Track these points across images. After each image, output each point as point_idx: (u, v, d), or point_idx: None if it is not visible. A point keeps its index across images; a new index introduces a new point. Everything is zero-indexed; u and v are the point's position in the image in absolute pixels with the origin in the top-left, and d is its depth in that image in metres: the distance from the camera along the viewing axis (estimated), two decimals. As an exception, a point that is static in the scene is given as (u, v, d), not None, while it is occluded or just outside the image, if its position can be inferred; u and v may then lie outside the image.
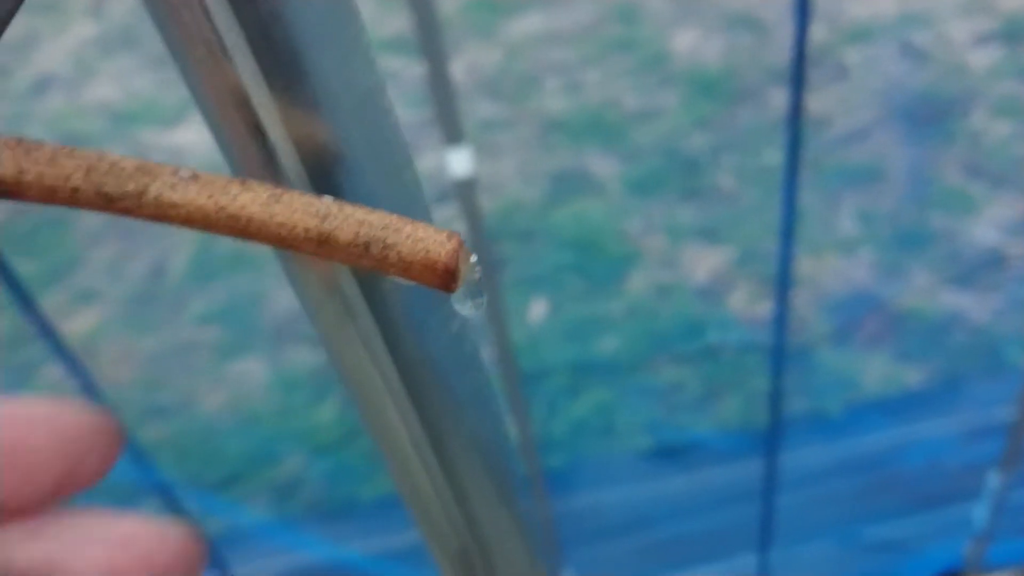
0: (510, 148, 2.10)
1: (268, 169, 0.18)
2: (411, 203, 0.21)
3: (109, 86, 2.52)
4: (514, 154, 2.09)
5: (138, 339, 1.77)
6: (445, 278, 0.18)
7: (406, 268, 0.17)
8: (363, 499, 1.48)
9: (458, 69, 2.28)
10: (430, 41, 0.77)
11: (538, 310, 1.72)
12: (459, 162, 0.76)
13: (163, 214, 0.17)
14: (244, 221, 0.17)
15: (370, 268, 0.18)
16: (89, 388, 0.97)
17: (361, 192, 0.19)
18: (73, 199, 0.17)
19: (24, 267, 1.84)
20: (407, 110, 2.08)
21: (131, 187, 0.17)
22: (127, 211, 0.17)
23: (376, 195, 0.20)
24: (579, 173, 2.02)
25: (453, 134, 0.74)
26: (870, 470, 1.36)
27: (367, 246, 0.17)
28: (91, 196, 0.17)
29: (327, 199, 0.18)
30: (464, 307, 0.19)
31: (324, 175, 0.19)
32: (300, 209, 0.17)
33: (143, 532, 0.17)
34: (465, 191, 0.80)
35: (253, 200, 0.17)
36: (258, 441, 1.60)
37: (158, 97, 2.43)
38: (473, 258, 0.18)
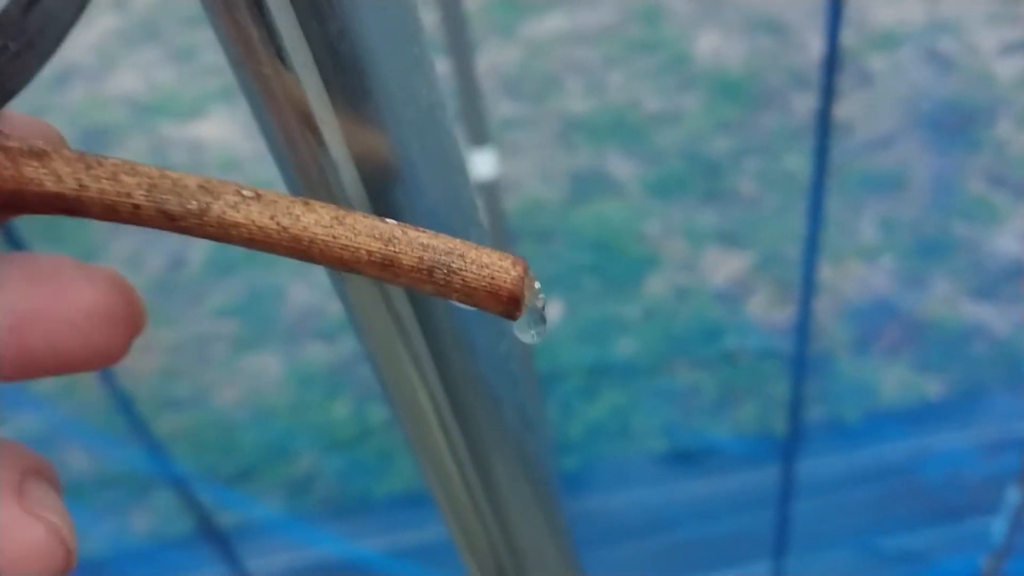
0: (530, 148, 2.10)
1: (328, 186, 0.18)
2: (468, 222, 0.21)
3: (131, 78, 2.53)
4: (534, 154, 2.08)
5: (156, 331, 1.78)
6: (509, 306, 0.17)
7: (470, 295, 0.17)
8: (376, 496, 1.48)
9: (479, 68, 2.27)
10: (457, 42, 0.77)
11: (555, 311, 1.72)
12: (484, 163, 0.76)
13: (225, 234, 0.17)
14: (306, 243, 0.17)
15: (432, 293, 0.17)
16: (107, 377, 0.97)
17: (420, 210, 0.19)
18: (134, 217, 0.17)
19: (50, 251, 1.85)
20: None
21: (193, 206, 0.17)
22: (188, 230, 0.17)
23: (435, 214, 0.20)
24: (599, 174, 2.01)
25: (478, 135, 0.74)
26: (887, 480, 1.35)
27: (431, 271, 0.17)
28: (152, 214, 0.17)
29: (391, 222, 0.17)
30: (526, 335, 0.18)
31: (385, 193, 0.19)
32: (364, 232, 0.17)
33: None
34: (489, 192, 0.80)
35: (316, 222, 0.17)
36: (273, 435, 1.60)
37: (180, 90, 2.44)
38: (536, 285, 0.18)
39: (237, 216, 0.17)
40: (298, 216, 0.17)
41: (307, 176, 0.18)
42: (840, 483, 1.35)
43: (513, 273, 0.17)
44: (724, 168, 1.97)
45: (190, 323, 1.82)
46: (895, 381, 1.53)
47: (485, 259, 0.17)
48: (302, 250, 0.17)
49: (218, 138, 2.26)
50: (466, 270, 0.17)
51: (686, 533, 1.34)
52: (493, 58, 2.37)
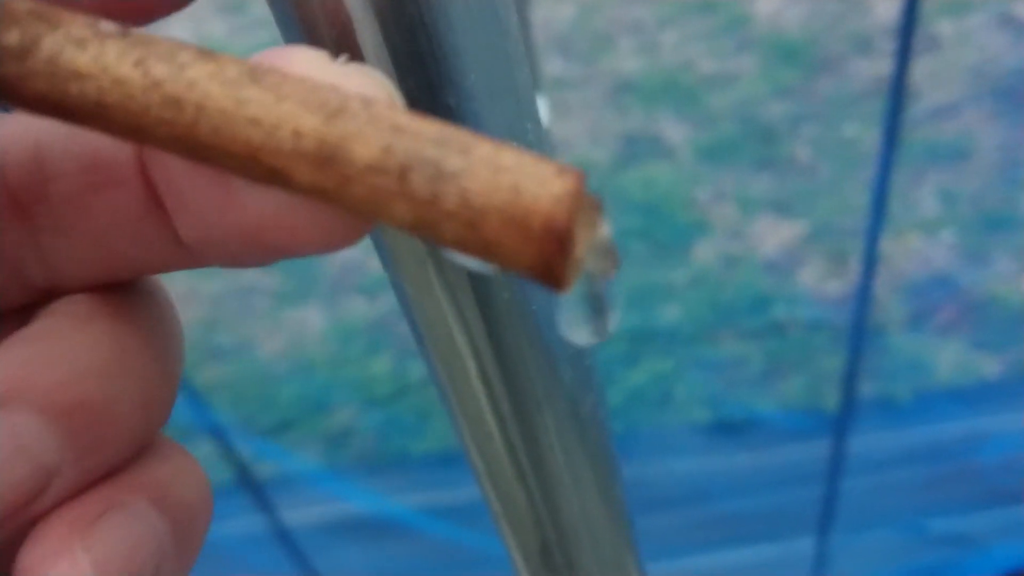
0: (580, 108, 2.06)
1: (340, 46, 0.14)
2: (523, 116, 0.16)
3: (181, 30, 2.53)
4: (584, 114, 2.04)
5: (199, 281, 1.78)
6: (546, 248, 0.10)
7: (472, 222, 0.10)
8: (414, 453, 1.48)
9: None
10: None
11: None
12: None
13: (57, 92, 0.10)
14: (191, 111, 0.10)
15: (407, 222, 0.10)
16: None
17: (461, 89, 0.14)
18: None
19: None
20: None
21: (13, 39, 0.10)
22: (1, 82, 0.11)
23: (476, 95, 0.15)
24: (650, 137, 1.97)
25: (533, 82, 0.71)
26: (938, 461, 1.31)
27: (404, 173, 0.10)
28: None
29: (346, 92, 0.11)
30: (578, 328, 0.11)
31: (414, 59, 0.14)
32: (293, 96, 0.10)
33: None
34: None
35: (213, 75, 0.10)
36: (312, 389, 1.60)
37: (230, 42, 2.43)
38: (605, 227, 0.11)
39: (81, 59, 0.10)
40: (184, 64, 0.10)
41: (312, 30, 0.13)
42: (889, 462, 1.31)
43: (556, 187, 0.10)
44: (779, 134, 1.92)
45: (233, 274, 1.82)
46: (951, 359, 1.48)
47: (507, 159, 0.10)
48: (183, 125, 0.10)
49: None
50: (470, 173, 0.10)
51: (727, 506, 1.31)
52: (546, 15, 2.32)
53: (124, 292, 0.16)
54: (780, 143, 1.90)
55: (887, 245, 1.64)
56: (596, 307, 0.11)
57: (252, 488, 1.21)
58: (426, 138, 0.10)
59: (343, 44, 0.13)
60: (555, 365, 0.20)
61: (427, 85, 0.13)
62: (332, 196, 0.10)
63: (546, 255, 0.10)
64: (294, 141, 0.10)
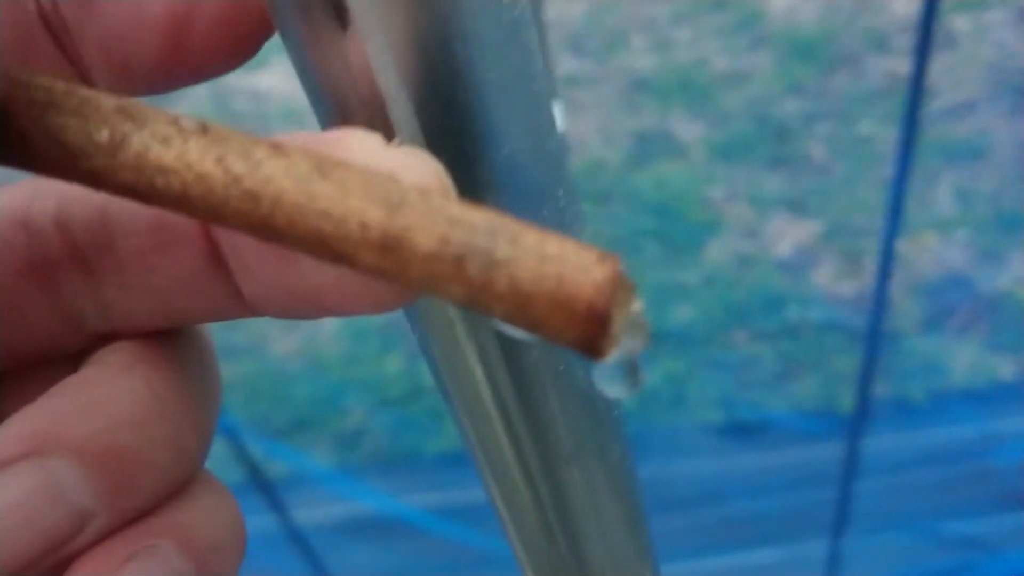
0: (593, 106, 2.05)
1: (374, 126, 0.13)
2: (555, 184, 0.15)
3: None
4: (597, 112, 2.04)
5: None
6: (588, 329, 0.11)
7: (522, 304, 0.11)
8: (425, 454, 1.48)
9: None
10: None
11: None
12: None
13: (145, 184, 0.12)
14: (267, 204, 0.11)
15: (462, 303, 0.11)
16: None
17: (495, 163, 0.14)
18: (18, 149, 0.12)
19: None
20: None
21: (103, 136, 0.12)
22: (93, 177, 0.12)
23: (513, 167, 0.14)
24: (663, 135, 1.96)
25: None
26: (953, 463, 1.30)
27: (460, 262, 0.11)
28: (41, 146, 0.12)
29: (405, 184, 0.12)
30: (612, 385, 0.12)
31: (447, 135, 0.13)
32: (358, 191, 0.11)
33: None
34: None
35: (287, 172, 0.11)
36: (325, 389, 1.60)
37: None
38: (637, 304, 0.12)
39: (166, 156, 0.11)
40: (259, 161, 0.11)
41: (346, 110, 0.13)
42: (903, 464, 1.30)
43: (597, 275, 0.11)
44: (793, 132, 1.91)
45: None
46: (966, 360, 1.47)
47: (553, 248, 0.11)
48: (260, 216, 0.11)
49: (281, 89, 2.25)
50: (519, 262, 0.11)
51: (739, 507, 1.31)
52: (558, 12, 2.32)
53: (169, 339, 0.17)
54: (794, 141, 1.89)
55: (902, 245, 1.62)
56: (630, 370, 0.12)
57: (264, 488, 1.21)
58: (479, 229, 0.11)
59: (375, 119, 0.13)
60: (583, 421, 0.20)
61: (459, 160, 0.13)
62: (392, 277, 0.11)
63: (588, 334, 0.11)
64: (361, 232, 0.11)
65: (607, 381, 0.12)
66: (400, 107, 0.13)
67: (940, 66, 1.96)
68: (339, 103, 0.14)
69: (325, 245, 0.11)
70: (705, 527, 1.29)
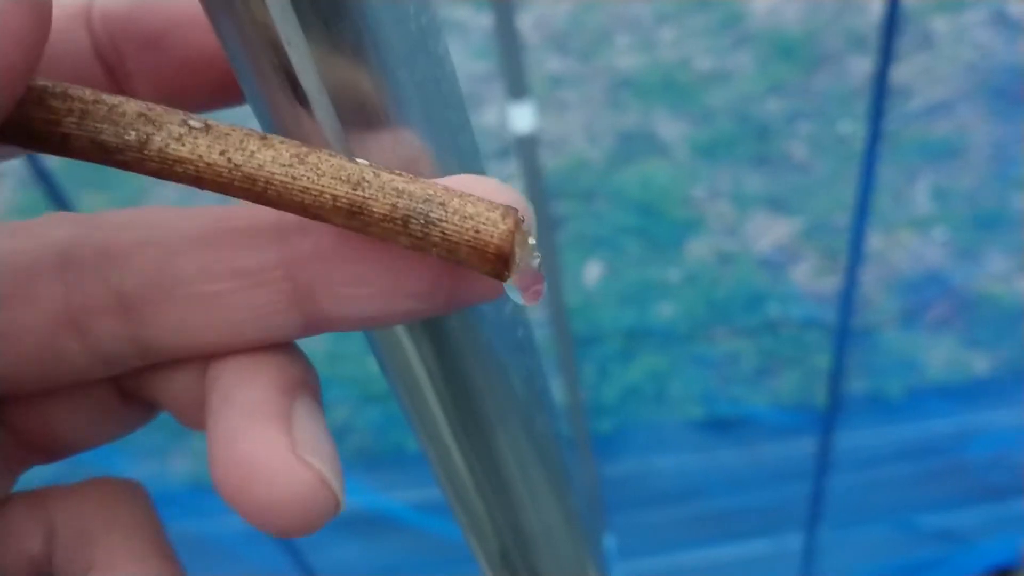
0: (576, 105, 2.07)
1: (299, 123, 0.16)
2: (466, 171, 0.18)
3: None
4: (580, 111, 2.05)
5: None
6: (497, 264, 0.15)
7: (451, 250, 0.15)
8: (410, 450, 1.49)
9: (526, 22, 2.23)
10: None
11: (594, 272, 1.70)
12: (522, 117, 0.74)
13: (168, 170, 0.15)
14: (262, 184, 0.15)
15: (408, 248, 0.15)
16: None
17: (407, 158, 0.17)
18: (63, 148, 0.15)
19: (94, 200, 1.87)
20: (471, 62, 2.05)
21: (131, 137, 0.15)
22: (126, 165, 0.15)
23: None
24: (646, 134, 1.97)
25: (517, 88, 0.72)
26: (928, 457, 1.32)
27: (405, 222, 0.15)
28: (84, 146, 0.15)
29: (361, 162, 0.15)
30: (518, 296, 0.16)
31: (364, 134, 0.16)
32: (328, 173, 0.15)
33: None
34: (526, 147, 0.78)
35: (274, 159, 0.15)
36: (309, 386, 1.61)
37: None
38: (532, 240, 0.16)
39: (182, 151, 0.15)
40: (252, 152, 0.15)
41: (276, 113, 0.16)
42: (879, 458, 1.32)
43: (502, 227, 0.15)
44: (775, 131, 1.92)
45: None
46: (942, 356, 1.49)
47: (470, 208, 0.15)
48: (257, 192, 0.15)
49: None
50: (446, 221, 0.15)
51: (719, 501, 1.32)
52: (541, 12, 2.33)
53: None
54: (775, 140, 1.91)
55: (879, 242, 1.65)
56: (531, 283, 0.16)
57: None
58: (417, 197, 0.15)
59: (300, 116, 0.16)
60: (507, 388, 0.22)
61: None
62: (359, 232, 0.16)
63: (496, 267, 0.15)
64: (333, 202, 0.15)
65: (512, 292, 0.16)
66: (321, 107, 0.16)
67: (917, 66, 1.99)
68: (270, 104, 0.16)
69: (307, 211, 0.15)
70: (685, 521, 1.31)
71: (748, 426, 1.43)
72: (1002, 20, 2.09)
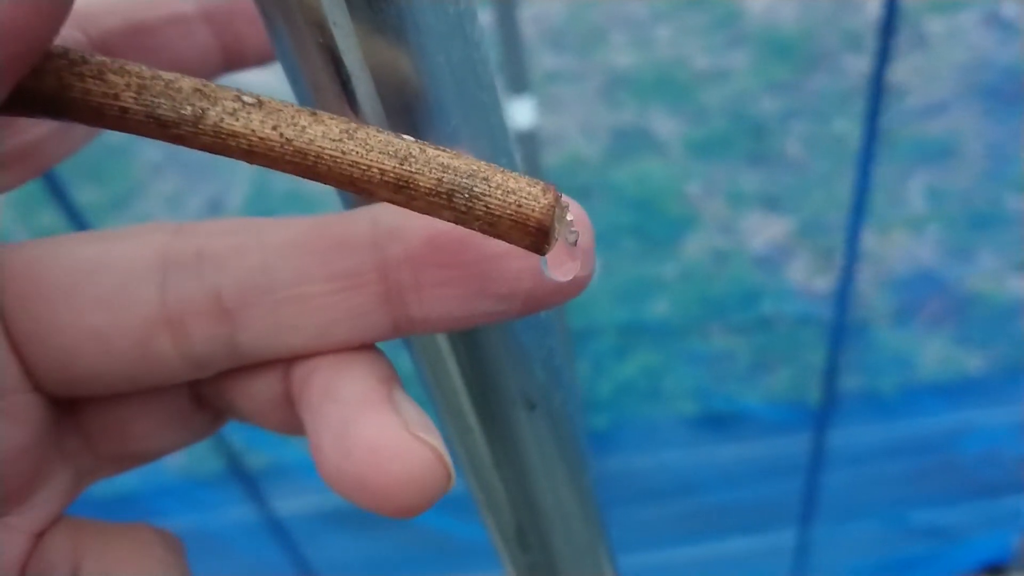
0: (573, 102, 2.07)
1: (341, 100, 0.17)
2: (497, 150, 0.19)
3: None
4: (577, 108, 2.05)
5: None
6: (537, 237, 0.16)
7: (493, 223, 0.16)
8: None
9: (523, 19, 2.23)
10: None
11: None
12: (522, 112, 0.74)
13: (222, 144, 0.15)
14: (312, 158, 0.15)
15: (452, 221, 0.16)
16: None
17: (444, 133, 0.17)
18: (122, 123, 0.15)
19: (89, 194, 1.87)
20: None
21: (187, 111, 0.15)
22: (182, 139, 0.15)
23: (459, 137, 0.18)
24: (642, 131, 1.98)
25: (518, 83, 0.72)
26: (921, 454, 1.33)
27: (450, 196, 0.15)
28: (142, 120, 0.15)
29: (407, 139, 0.16)
30: (556, 272, 0.17)
31: (404, 111, 0.17)
32: (377, 148, 0.15)
33: None
34: (527, 142, 0.79)
35: (324, 134, 0.15)
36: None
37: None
38: (570, 216, 0.16)
39: (236, 125, 0.15)
40: (304, 127, 0.15)
41: (319, 90, 0.17)
42: (873, 455, 1.33)
43: (543, 201, 0.16)
44: (770, 130, 1.93)
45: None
46: (935, 354, 1.50)
47: (512, 184, 0.16)
48: (307, 166, 0.15)
49: (261, 81, 2.25)
50: (490, 195, 0.15)
51: (712, 497, 1.33)
52: (538, 9, 2.33)
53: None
54: (771, 138, 1.91)
55: (873, 241, 1.65)
56: (568, 259, 0.17)
57: (244, 478, 1.21)
58: (462, 172, 0.15)
59: (341, 95, 0.17)
60: (527, 367, 0.23)
61: (413, 131, 0.17)
62: (403, 206, 0.16)
63: (537, 241, 0.16)
64: (380, 176, 0.15)
65: (551, 269, 0.17)
66: (363, 85, 0.16)
67: (911, 66, 1.99)
68: (312, 83, 0.17)
69: (355, 185, 0.16)
70: (678, 516, 1.31)
71: (742, 422, 1.44)
72: (996, 21, 2.09)
